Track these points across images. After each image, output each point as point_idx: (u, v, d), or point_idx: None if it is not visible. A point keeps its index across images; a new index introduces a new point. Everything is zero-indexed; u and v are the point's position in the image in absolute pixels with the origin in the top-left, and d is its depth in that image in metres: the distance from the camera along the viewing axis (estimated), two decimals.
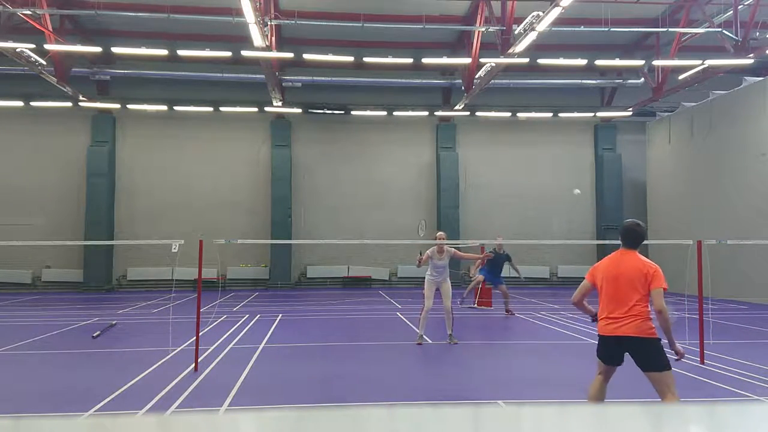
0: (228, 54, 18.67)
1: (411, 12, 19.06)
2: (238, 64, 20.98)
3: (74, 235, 22.02)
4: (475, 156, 24.91)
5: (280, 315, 14.31)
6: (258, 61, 18.24)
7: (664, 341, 4.62)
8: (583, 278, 5.05)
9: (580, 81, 23.99)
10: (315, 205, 24.23)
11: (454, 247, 13.31)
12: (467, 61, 19.72)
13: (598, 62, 19.90)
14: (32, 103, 22.10)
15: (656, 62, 20.14)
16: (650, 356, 4.51)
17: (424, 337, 10.09)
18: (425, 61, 19.55)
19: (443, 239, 10.02)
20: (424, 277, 10.31)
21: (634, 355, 4.60)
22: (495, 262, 13.84)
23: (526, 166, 25.00)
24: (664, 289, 4.61)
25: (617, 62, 21.59)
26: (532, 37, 15.18)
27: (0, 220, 22.16)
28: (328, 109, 24.00)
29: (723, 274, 15.44)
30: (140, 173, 23.74)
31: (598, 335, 4.80)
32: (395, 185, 24.57)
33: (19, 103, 22.09)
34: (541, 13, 14.43)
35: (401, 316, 14.04)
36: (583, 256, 24.25)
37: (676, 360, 4.73)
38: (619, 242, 4.90)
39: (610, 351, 4.72)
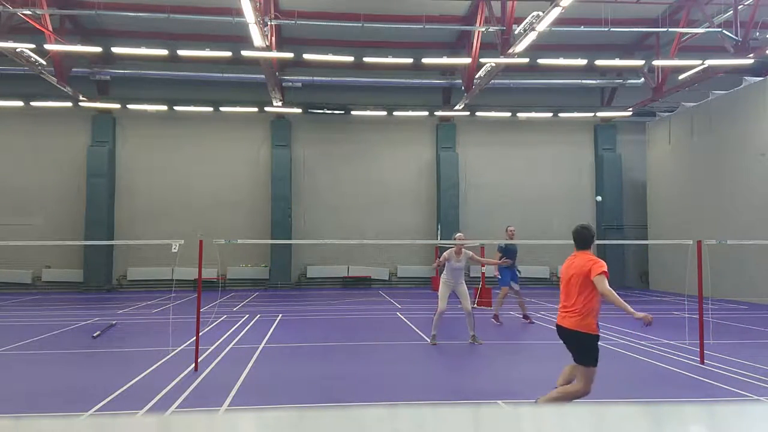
0: (228, 54, 18.67)
1: (411, 12, 19.06)
2: (238, 64, 20.99)
3: (74, 235, 22.02)
4: (475, 156, 24.91)
5: (280, 315, 14.31)
6: (258, 61, 18.24)
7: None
8: None
9: (580, 81, 23.99)
10: (315, 205, 24.23)
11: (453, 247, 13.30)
12: (467, 61, 19.73)
13: (598, 62, 19.91)
14: (32, 103, 22.10)
15: (656, 62, 20.14)
16: (582, 350, 5.08)
17: (431, 337, 10.01)
18: (425, 61, 19.54)
19: (462, 240, 9.98)
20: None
21: (570, 346, 5.19)
22: (508, 254, 12.47)
23: (526, 166, 25.00)
24: (605, 274, 5.00)
25: (617, 62, 21.59)
26: (532, 37, 15.18)
27: (0, 220, 22.16)
28: (328, 109, 24.00)
29: (723, 274, 15.45)
30: (140, 173, 23.74)
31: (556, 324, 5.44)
32: (395, 185, 24.57)
33: (19, 103, 22.09)
34: (541, 13, 14.43)
35: (401, 316, 14.04)
36: None
37: (646, 326, 5.18)
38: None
39: (563, 340, 5.31)
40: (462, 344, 9.90)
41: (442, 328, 10.37)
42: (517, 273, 12.73)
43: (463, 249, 9.91)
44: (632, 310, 5.06)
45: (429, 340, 9.98)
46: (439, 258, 9.97)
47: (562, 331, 5.21)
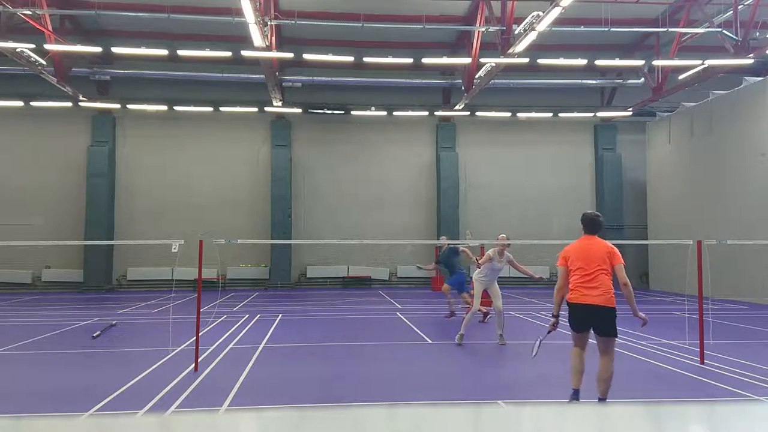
0: (228, 54, 18.67)
1: (411, 12, 19.06)
2: (238, 64, 20.99)
3: (74, 235, 22.02)
4: (475, 156, 24.91)
5: (280, 315, 14.31)
6: (258, 61, 18.24)
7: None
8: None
9: (580, 81, 24.00)
10: (315, 205, 24.23)
11: (454, 247, 13.29)
12: (467, 61, 19.73)
13: (598, 62, 19.91)
14: (32, 103, 22.10)
15: (656, 62, 20.14)
16: (611, 323, 5.55)
17: (458, 336, 9.87)
18: (425, 61, 19.55)
19: (505, 240, 9.94)
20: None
21: (599, 321, 5.56)
22: (444, 260, 13.13)
23: (526, 166, 25.00)
24: (624, 264, 5.67)
25: (617, 62, 21.59)
26: (532, 37, 15.18)
27: (0, 220, 22.16)
28: (328, 109, 24.01)
29: (723, 274, 15.45)
30: (140, 173, 23.74)
31: (571, 304, 5.71)
32: (395, 185, 24.57)
33: (19, 103, 22.09)
34: (541, 13, 14.43)
35: (401, 316, 14.04)
36: None
37: (642, 326, 5.87)
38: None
39: (581, 318, 5.64)
40: (462, 344, 9.88)
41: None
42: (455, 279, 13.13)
43: (505, 251, 9.87)
44: (636, 307, 5.61)
45: (456, 340, 9.80)
46: (477, 256, 9.93)
47: (589, 309, 5.52)
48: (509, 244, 9.96)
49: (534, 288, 22.41)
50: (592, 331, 5.66)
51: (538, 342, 6.37)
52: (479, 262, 10.22)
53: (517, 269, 10.16)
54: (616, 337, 5.63)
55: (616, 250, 5.68)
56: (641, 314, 5.63)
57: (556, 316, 6.01)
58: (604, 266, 5.55)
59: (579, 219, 6.03)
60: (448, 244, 13.14)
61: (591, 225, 5.84)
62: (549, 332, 6.17)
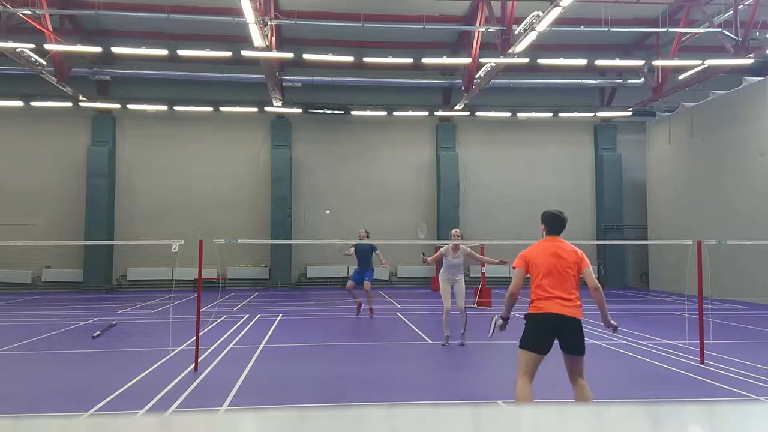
0: (228, 54, 18.67)
1: (411, 12, 19.07)
2: (238, 64, 20.99)
3: (74, 235, 22.03)
4: (475, 156, 24.91)
5: (280, 315, 14.31)
6: (258, 61, 18.24)
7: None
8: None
9: (580, 81, 24.00)
10: (315, 205, 24.23)
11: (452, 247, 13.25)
12: (467, 61, 19.73)
13: (598, 62, 19.91)
14: (32, 103, 22.10)
15: (656, 62, 20.14)
16: (582, 338, 4.73)
17: (450, 337, 9.84)
18: (425, 61, 19.55)
19: (458, 237, 9.90)
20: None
21: (568, 336, 4.69)
22: (360, 253, 13.32)
23: (526, 166, 25.00)
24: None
25: (617, 62, 21.59)
26: (532, 37, 15.18)
27: (0, 220, 22.16)
28: (328, 109, 24.01)
29: (723, 274, 15.46)
30: (140, 173, 23.74)
31: (533, 316, 4.81)
32: (395, 185, 24.57)
33: (19, 103, 22.10)
34: (541, 13, 14.43)
35: (401, 316, 14.04)
36: None
37: (613, 333, 5.19)
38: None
39: (545, 333, 4.74)
40: (461, 344, 9.88)
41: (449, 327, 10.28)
42: (368, 274, 13.40)
43: (460, 245, 9.83)
44: (608, 314, 5.01)
45: (441, 342, 9.80)
46: (426, 256, 9.92)
47: (556, 320, 4.67)
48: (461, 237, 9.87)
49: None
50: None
51: (493, 322, 5.56)
52: (429, 259, 10.15)
53: (478, 261, 10.21)
54: (584, 353, 4.78)
55: (582, 252, 4.97)
56: (612, 321, 4.99)
57: (506, 319, 5.27)
58: (572, 271, 4.79)
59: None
60: (368, 238, 13.27)
61: (555, 224, 5.04)
62: (499, 329, 5.36)
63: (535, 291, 4.84)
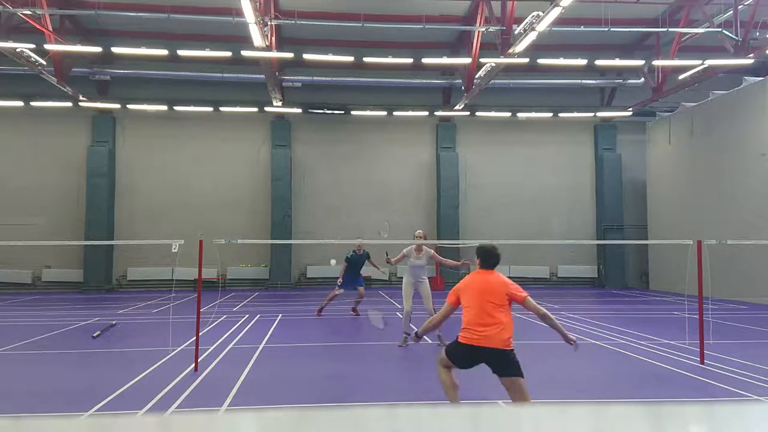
0: (228, 54, 18.67)
1: (411, 12, 19.06)
2: (238, 64, 20.99)
3: (74, 235, 22.03)
4: (475, 156, 24.90)
5: (280, 315, 14.31)
6: (258, 61, 18.24)
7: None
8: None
9: (580, 81, 24.00)
10: (315, 205, 24.23)
11: (455, 247, 13.24)
12: (467, 61, 19.73)
13: (598, 62, 19.91)
14: (32, 103, 22.10)
15: (656, 62, 20.14)
16: (510, 364, 4.94)
17: (409, 337, 9.71)
18: (425, 61, 19.55)
19: (422, 238, 9.85)
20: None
21: (494, 365, 4.99)
22: (354, 264, 14.05)
23: (526, 166, 25.00)
24: (528, 295, 5.15)
25: (617, 62, 21.60)
26: (532, 37, 15.18)
27: (0, 220, 22.16)
28: (328, 109, 24.00)
29: (723, 274, 15.44)
30: (140, 173, 23.74)
31: (461, 344, 5.10)
32: (395, 185, 24.57)
33: (19, 103, 22.10)
34: (541, 13, 14.43)
35: (401, 316, 14.02)
36: (583, 256, 24.26)
37: (572, 345, 5.16)
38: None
39: (468, 359, 5.10)
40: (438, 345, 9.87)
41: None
42: (361, 281, 14.20)
43: (423, 247, 9.76)
44: (565, 331, 5.17)
45: (399, 342, 9.68)
46: (390, 256, 9.86)
47: (482, 352, 4.94)
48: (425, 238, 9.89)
49: (535, 288, 22.38)
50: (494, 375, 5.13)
51: (381, 317, 5.94)
52: (392, 261, 10.11)
53: (442, 263, 10.11)
54: (522, 377, 4.94)
55: (516, 284, 5.15)
56: (572, 337, 5.17)
57: (420, 337, 5.76)
58: (502, 304, 4.99)
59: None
60: (364, 249, 13.97)
61: (489, 258, 5.23)
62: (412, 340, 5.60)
63: (465, 320, 5.10)
